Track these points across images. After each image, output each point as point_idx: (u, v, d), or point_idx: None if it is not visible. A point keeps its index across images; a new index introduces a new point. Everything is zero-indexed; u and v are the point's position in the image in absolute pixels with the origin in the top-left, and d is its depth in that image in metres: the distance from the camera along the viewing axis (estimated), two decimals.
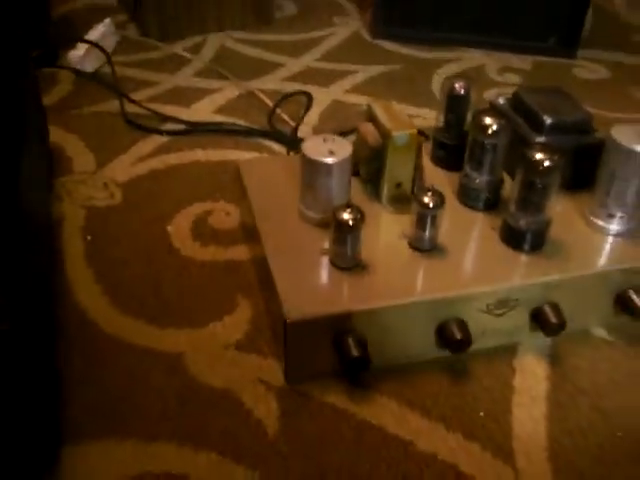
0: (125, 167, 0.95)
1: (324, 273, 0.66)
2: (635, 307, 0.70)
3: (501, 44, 1.27)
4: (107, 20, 1.26)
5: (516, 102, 0.80)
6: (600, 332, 0.73)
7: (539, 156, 0.65)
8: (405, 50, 1.28)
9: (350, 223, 0.64)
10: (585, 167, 0.75)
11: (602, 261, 0.70)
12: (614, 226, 0.72)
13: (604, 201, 0.72)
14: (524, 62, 1.26)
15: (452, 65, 1.23)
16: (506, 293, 0.66)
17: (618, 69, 1.25)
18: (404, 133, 0.70)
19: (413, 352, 0.68)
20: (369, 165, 0.74)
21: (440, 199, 0.66)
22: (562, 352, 0.71)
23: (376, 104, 0.74)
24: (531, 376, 0.68)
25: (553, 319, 0.67)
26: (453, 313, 0.66)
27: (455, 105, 0.78)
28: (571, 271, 0.68)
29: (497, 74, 1.21)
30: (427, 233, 0.68)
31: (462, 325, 0.65)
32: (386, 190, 0.73)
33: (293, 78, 1.17)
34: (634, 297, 0.70)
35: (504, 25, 1.26)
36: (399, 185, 0.73)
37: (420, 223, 0.67)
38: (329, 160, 0.68)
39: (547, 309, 0.68)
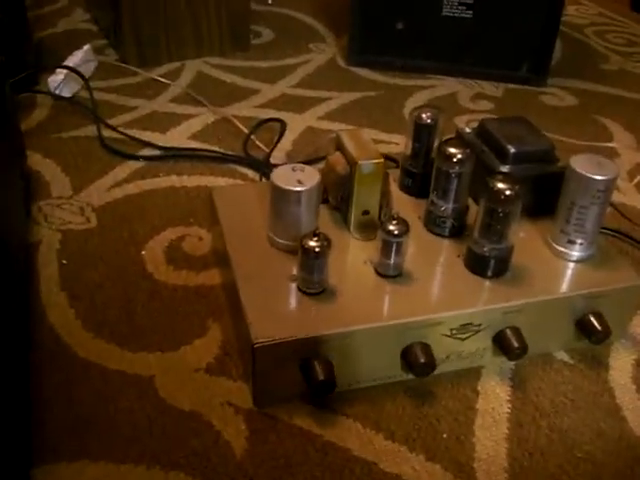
0: (101, 192, 0.97)
1: (292, 298, 0.68)
2: (595, 331, 0.72)
3: (474, 72, 1.30)
4: (86, 46, 1.28)
5: (482, 132, 0.83)
6: (562, 355, 0.76)
7: (500, 185, 0.68)
8: (379, 77, 1.31)
9: (317, 250, 0.66)
10: (547, 195, 0.77)
11: (563, 286, 0.73)
12: (574, 252, 0.75)
13: (564, 228, 0.74)
14: (496, 90, 1.29)
15: (425, 92, 1.26)
16: (469, 318, 0.68)
17: (585, 97, 1.28)
18: (370, 162, 0.72)
19: (379, 375, 0.70)
20: (337, 193, 0.76)
21: (405, 227, 0.68)
22: (525, 375, 0.73)
23: (344, 133, 0.76)
24: (494, 398, 0.70)
25: (515, 343, 0.69)
26: (418, 337, 0.68)
27: (422, 134, 0.81)
28: (533, 296, 0.71)
29: (469, 101, 1.24)
30: (392, 260, 0.70)
31: (426, 349, 0.67)
32: (353, 217, 0.75)
33: (268, 104, 1.20)
34: (594, 321, 0.72)
35: (477, 54, 1.29)
36: (366, 212, 0.75)
37: (385, 250, 0.69)
38: (297, 189, 0.69)
39: (509, 334, 0.70)
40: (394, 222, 0.68)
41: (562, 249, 0.75)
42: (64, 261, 0.85)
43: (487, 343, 0.71)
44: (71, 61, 1.23)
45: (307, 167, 0.72)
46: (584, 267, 0.75)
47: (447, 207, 0.75)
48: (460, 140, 0.76)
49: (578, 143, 1.10)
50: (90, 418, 0.66)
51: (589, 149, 1.09)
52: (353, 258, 0.74)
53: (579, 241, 0.74)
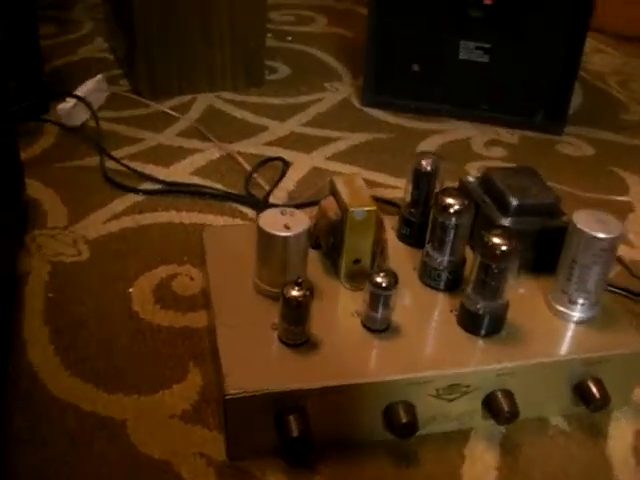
0: (97, 224, 0.95)
1: (271, 349, 0.65)
2: (593, 398, 0.68)
3: (489, 117, 1.28)
4: (99, 76, 1.28)
5: (485, 181, 0.80)
6: (558, 421, 0.71)
7: (496, 240, 0.65)
8: (393, 119, 1.29)
9: (298, 300, 0.63)
10: (550, 250, 0.74)
11: (561, 349, 0.69)
12: (575, 313, 0.71)
13: (565, 287, 0.71)
14: (511, 136, 1.26)
15: (438, 136, 1.23)
16: (457, 379, 0.65)
17: (603, 147, 1.25)
18: (362, 209, 0.69)
19: (359, 433, 0.66)
20: (328, 239, 0.73)
21: (393, 279, 0.65)
22: (516, 440, 0.69)
23: (338, 178, 0.74)
24: (480, 465, 0.66)
25: (505, 407, 0.66)
26: (401, 396, 0.64)
27: (422, 181, 0.78)
28: (527, 358, 0.67)
29: (483, 147, 1.21)
30: (379, 313, 0.66)
31: (409, 409, 0.64)
32: (344, 266, 0.72)
33: (276, 143, 1.18)
34: (592, 388, 0.68)
35: (493, 99, 1.27)
36: (357, 261, 0.72)
37: (372, 303, 0.66)
38: (283, 234, 0.67)
39: (500, 396, 0.66)
40: (382, 274, 0.65)
41: (562, 309, 0.71)
42: (50, 294, 0.83)
43: (477, 405, 0.67)
44: (82, 90, 1.22)
45: (297, 211, 0.70)
46: (585, 329, 0.71)
47: (442, 259, 0.72)
48: (459, 190, 0.73)
49: (591, 196, 1.06)
50: (59, 459, 0.64)
51: (603, 202, 1.05)
52: (341, 309, 0.71)
53: (580, 301, 0.71)
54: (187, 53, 1.28)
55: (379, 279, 0.65)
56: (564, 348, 0.69)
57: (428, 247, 0.73)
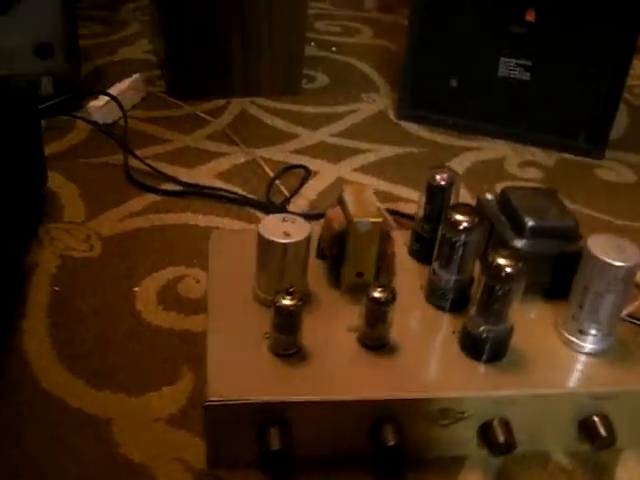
0: (112, 222, 0.95)
1: (260, 358, 0.63)
2: (598, 436, 0.64)
3: (527, 137, 1.24)
4: (136, 75, 1.28)
5: (503, 200, 0.76)
6: (560, 458, 0.67)
7: (501, 261, 0.61)
8: (427, 134, 1.26)
9: (289, 309, 0.61)
10: (566, 276, 0.70)
11: (566, 381, 0.65)
12: (586, 344, 0.67)
13: (576, 315, 0.67)
14: (548, 158, 1.22)
15: (470, 154, 1.20)
16: (450, 403, 0.62)
17: None
18: (367, 220, 0.67)
19: (342, 449, 0.63)
20: (332, 250, 0.71)
21: (391, 295, 0.62)
22: (512, 474, 0.65)
23: (347, 187, 0.72)
24: None
25: (500, 438, 0.62)
26: (390, 417, 0.61)
27: (435, 197, 0.75)
28: (528, 387, 0.63)
29: (517, 168, 1.17)
30: (375, 330, 0.64)
31: (397, 431, 0.61)
32: (346, 278, 0.70)
33: (304, 151, 1.16)
34: (598, 425, 0.64)
35: (532, 118, 1.23)
36: (360, 274, 0.70)
37: (368, 318, 0.63)
38: (282, 240, 0.65)
39: (496, 426, 0.63)
40: (379, 289, 0.62)
41: (572, 338, 0.67)
42: (56, 288, 0.82)
43: (472, 433, 0.64)
44: (116, 88, 1.23)
45: (299, 219, 0.68)
46: (595, 361, 0.67)
47: (449, 279, 0.69)
48: (470, 207, 0.69)
49: (627, 224, 1.01)
50: (39, 455, 0.63)
51: (636, 230, 1.00)
52: (338, 322, 0.68)
53: (592, 331, 0.67)
54: (224, 56, 1.28)
55: (376, 294, 0.62)
56: (570, 380, 0.65)
57: (435, 265, 0.70)
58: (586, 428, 0.65)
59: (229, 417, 0.59)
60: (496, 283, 0.62)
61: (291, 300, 0.61)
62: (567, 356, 0.67)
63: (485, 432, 0.63)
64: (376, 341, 0.64)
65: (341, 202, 0.71)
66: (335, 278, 0.72)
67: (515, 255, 0.62)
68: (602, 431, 0.64)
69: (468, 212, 0.67)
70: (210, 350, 0.64)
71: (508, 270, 0.61)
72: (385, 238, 0.70)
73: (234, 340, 0.65)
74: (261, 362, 0.63)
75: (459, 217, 0.67)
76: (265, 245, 0.66)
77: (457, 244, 0.67)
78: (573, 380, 0.65)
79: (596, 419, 0.64)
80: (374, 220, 0.67)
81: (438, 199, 0.75)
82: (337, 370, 0.62)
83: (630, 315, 0.83)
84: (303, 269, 0.68)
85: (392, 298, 0.62)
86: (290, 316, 0.61)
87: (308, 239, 0.66)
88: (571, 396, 0.64)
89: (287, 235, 0.65)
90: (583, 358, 0.67)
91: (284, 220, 0.67)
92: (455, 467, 0.65)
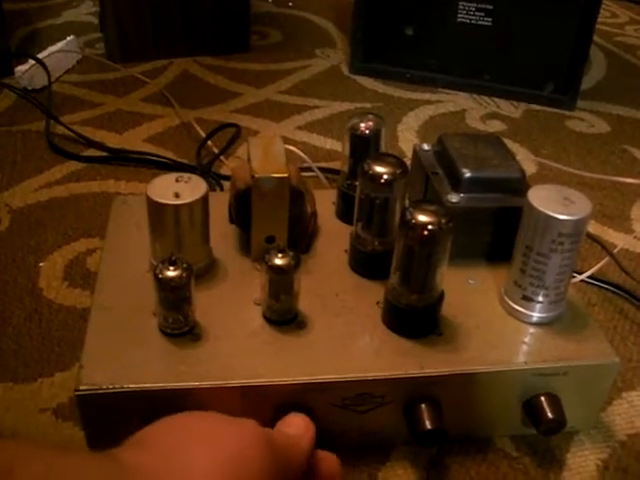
0: (27, 192, 0.86)
1: (147, 339, 0.54)
2: (544, 419, 0.55)
3: (491, 88, 1.14)
4: (70, 37, 1.19)
5: (440, 150, 0.67)
6: (504, 443, 0.58)
7: (422, 218, 0.52)
8: (382, 88, 1.16)
9: (173, 281, 0.52)
10: (510, 235, 0.60)
11: (507, 356, 0.55)
12: (532, 312, 0.58)
13: (519, 280, 0.58)
14: (515, 110, 1.12)
15: (429, 107, 1.10)
16: (365, 387, 0.53)
17: (619, 124, 1.09)
18: (270, 176, 0.57)
19: None
20: (238, 212, 0.62)
21: (293, 261, 0.53)
22: (446, 464, 0.56)
23: (253, 139, 0.62)
24: None
25: (426, 424, 0.53)
26: (298, 404, 0.52)
27: (359, 148, 0.66)
28: (460, 366, 0.54)
29: (480, 121, 1.07)
30: (278, 302, 0.55)
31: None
32: (254, 244, 0.61)
33: (245, 110, 1.06)
34: (545, 406, 0.55)
35: (495, 67, 1.13)
36: (271, 239, 0.60)
37: (270, 289, 0.54)
38: (172, 202, 0.56)
39: (423, 410, 0.54)
40: (280, 254, 0.53)
41: (516, 306, 0.58)
42: None
43: (397, 419, 0.55)
44: (48, 51, 1.13)
45: (194, 177, 0.59)
46: (542, 333, 0.57)
47: (372, 241, 0.60)
48: (394, 157, 0.60)
49: (598, 177, 0.91)
50: None
51: (608, 184, 0.91)
52: (246, 295, 0.59)
53: (538, 298, 0.57)
54: (162, 14, 1.17)
55: (277, 260, 0.53)
56: (512, 355, 0.56)
57: (357, 226, 0.61)
58: (532, 410, 0.56)
59: (104, 407, 0.51)
60: (416, 244, 0.52)
61: (174, 271, 0.52)
62: (510, 327, 0.58)
63: (409, 416, 0.54)
64: (281, 315, 0.55)
65: (248, 156, 0.61)
66: (246, 245, 0.63)
67: (441, 211, 0.52)
68: (548, 413, 0.55)
69: (390, 163, 0.58)
70: (90, 330, 0.55)
71: (430, 228, 0.51)
72: (299, 197, 0.61)
73: (120, 318, 0.56)
74: (147, 343, 0.54)
75: (379, 169, 0.57)
76: (155, 209, 0.57)
77: (377, 201, 0.58)
78: (516, 355, 0.56)
79: (543, 399, 0.55)
80: (278, 175, 0.57)
81: (363, 151, 0.65)
82: (233, 350, 0.53)
83: (593, 277, 0.74)
84: (203, 235, 0.59)
85: (294, 265, 0.53)
86: (175, 289, 0.52)
87: (204, 200, 0.57)
88: (513, 374, 0.55)
89: (178, 196, 0.56)
90: (529, 329, 0.58)
91: (177, 180, 0.58)
92: (378, 459, 0.56)
